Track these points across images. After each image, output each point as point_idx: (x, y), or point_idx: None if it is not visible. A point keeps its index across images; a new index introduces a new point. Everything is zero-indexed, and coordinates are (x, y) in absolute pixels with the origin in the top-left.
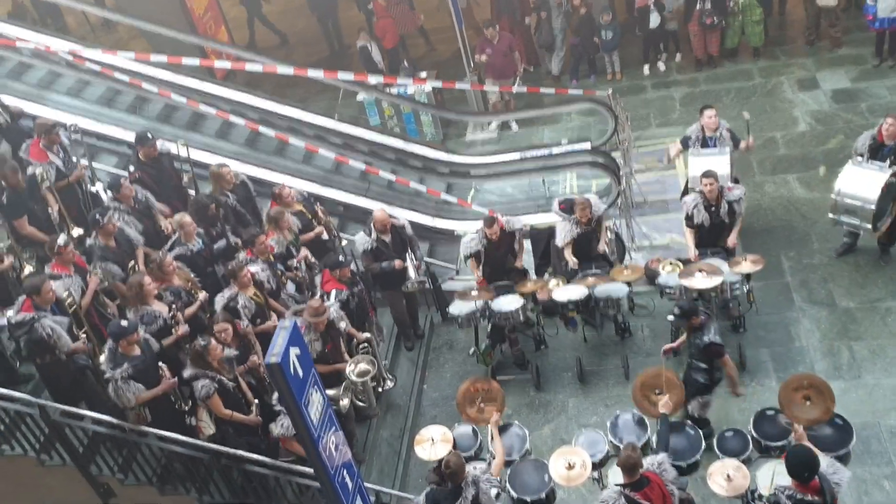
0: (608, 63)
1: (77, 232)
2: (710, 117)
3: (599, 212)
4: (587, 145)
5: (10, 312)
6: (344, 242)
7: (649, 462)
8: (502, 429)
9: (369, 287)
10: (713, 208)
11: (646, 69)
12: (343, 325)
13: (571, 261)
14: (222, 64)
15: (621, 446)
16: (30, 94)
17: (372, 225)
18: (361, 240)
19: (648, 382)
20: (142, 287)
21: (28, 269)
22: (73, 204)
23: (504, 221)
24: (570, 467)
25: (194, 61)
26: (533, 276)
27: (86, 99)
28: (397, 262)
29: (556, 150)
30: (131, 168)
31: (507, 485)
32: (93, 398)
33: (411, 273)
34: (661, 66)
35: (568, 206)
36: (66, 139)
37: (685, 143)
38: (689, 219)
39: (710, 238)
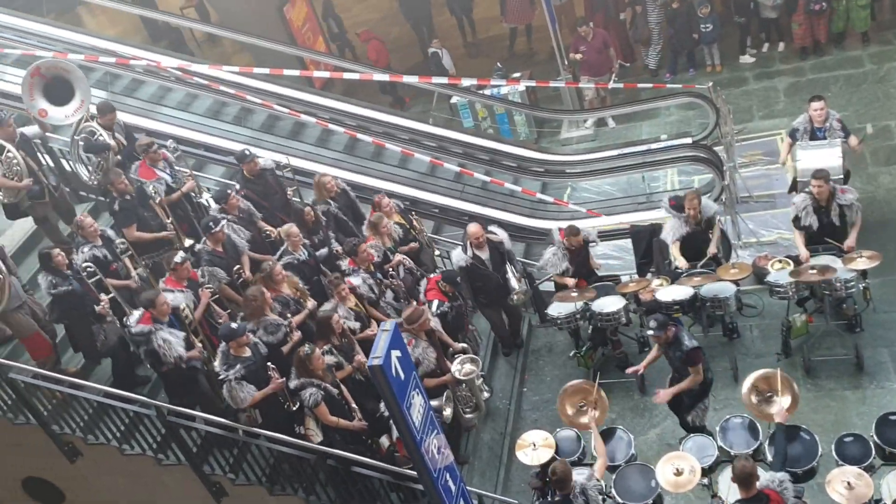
0: (707, 55)
1: (188, 242)
2: (817, 109)
3: (710, 213)
4: (688, 140)
5: (131, 320)
6: (437, 253)
7: (769, 479)
8: (606, 433)
9: (468, 300)
10: (823, 210)
11: (744, 57)
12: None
13: (681, 262)
14: (321, 74)
15: (731, 451)
16: (142, 109)
17: (468, 242)
18: (458, 256)
19: (760, 386)
20: (263, 296)
21: (135, 274)
22: (185, 216)
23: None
24: (679, 473)
25: (294, 72)
26: (635, 275)
27: (194, 112)
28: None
29: (655, 146)
30: (237, 186)
31: (613, 490)
32: (206, 401)
33: (514, 285)
34: (764, 48)
35: (678, 204)
36: (171, 154)
37: (793, 136)
38: (797, 220)
39: (821, 240)
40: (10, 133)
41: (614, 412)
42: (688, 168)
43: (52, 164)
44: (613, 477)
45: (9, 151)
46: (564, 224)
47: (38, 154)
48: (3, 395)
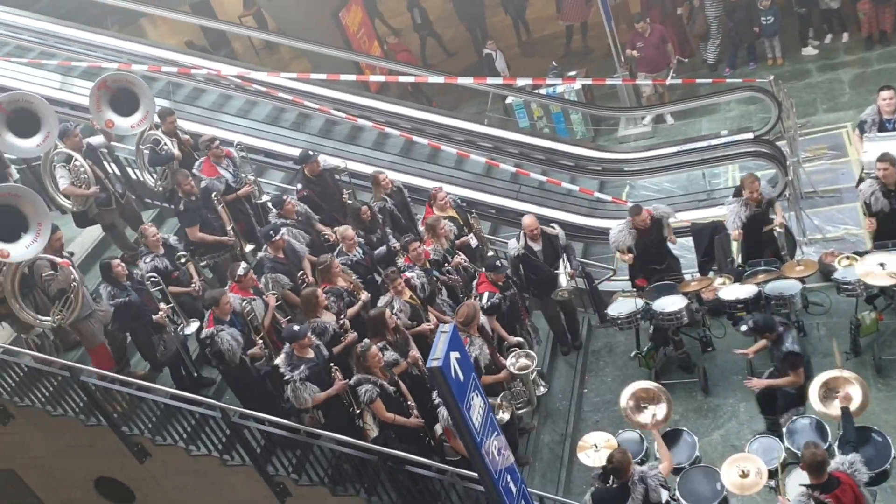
0: (768, 48)
1: (249, 247)
2: (887, 98)
3: (769, 195)
4: (749, 135)
5: (194, 326)
6: (490, 253)
7: (838, 462)
8: (670, 435)
9: (522, 291)
10: (893, 194)
11: (807, 49)
12: (488, 330)
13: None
14: (377, 78)
15: (800, 453)
16: (204, 117)
17: (522, 232)
18: (511, 245)
19: (829, 384)
20: (316, 298)
21: (196, 281)
22: (244, 218)
23: (652, 209)
24: (744, 475)
25: (351, 77)
26: (696, 273)
27: (253, 118)
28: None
29: (715, 142)
30: (299, 186)
31: (677, 493)
32: (269, 401)
33: (562, 281)
34: (827, 39)
35: (737, 192)
36: (237, 154)
37: (861, 128)
38: (867, 207)
39: (891, 227)
40: (76, 143)
41: (677, 413)
42: (749, 164)
43: (117, 172)
44: (677, 479)
45: (76, 160)
46: (613, 227)
47: (105, 163)
48: (76, 398)
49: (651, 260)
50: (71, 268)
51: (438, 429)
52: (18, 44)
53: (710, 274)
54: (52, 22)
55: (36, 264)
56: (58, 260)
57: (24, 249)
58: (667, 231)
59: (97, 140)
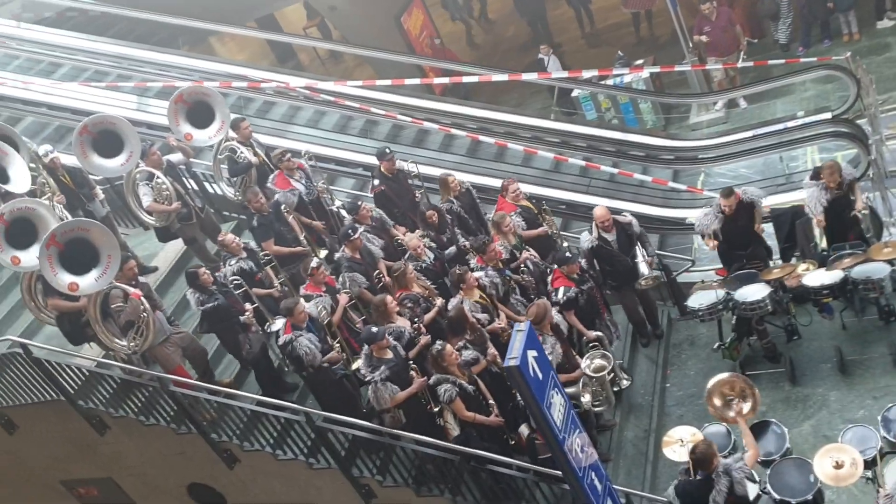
0: (843, 24)
1: (323, 253)
2: None
3: (850, 176)
4: (827, 115)
5: (280, 323)
6: (565, 244)
7: None
8: (758, 427)
9: (600, 284)
10: None
11: (883, 22)
12: (564, 328)
13: (820, 225)
14: (441, 80)
15: None
16: (275, 129)
17: (594, 224)
18: (584, 238)
19: None
20: (386, 305)
21: (277, 283)
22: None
23: (741, 192)
24: (839, 466)
25: (415, 80)
26: (779, 260)
27: (322, 128)
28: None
29: (791, 124)
30: (375, 182)
31: (769, 486)
32: (350, 404)
33: (643, 269)
34: None
35: (815, 174)
36: (307, 164)
37: None
38: None
39: None
40: (156, 161)
41: (765, 405)
42: (829, 145)
43: (196, 187)
44: (768, 472)
45: (158, 178)
46: (699, 211)
47: (184, 179)
48: (166, 407)
49: (736, 245)
50: (141, 299)
51: (525, 429)
52: (97, 68)
53: (793, 260)
54: (127, 45)
55: (111, 293)
56: (129, 290)
57: (92, 282)
58: (756, 216)
59: (176, 157)
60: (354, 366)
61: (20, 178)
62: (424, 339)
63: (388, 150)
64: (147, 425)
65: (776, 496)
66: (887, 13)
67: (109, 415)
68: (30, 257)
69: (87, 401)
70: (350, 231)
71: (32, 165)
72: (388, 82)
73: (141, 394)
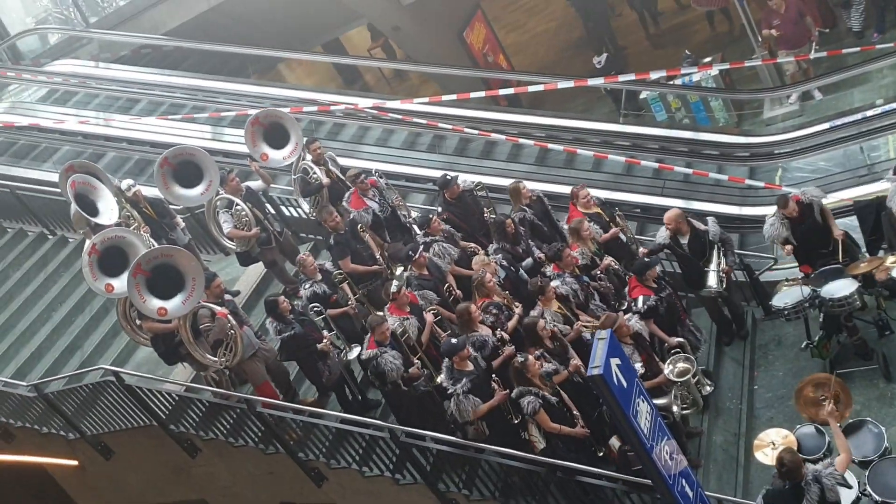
0: None
1: (399, 270)
2: None
3: None
4: None
5: (356, 351)
6: (641, 249)
7: None
8: (853, 427)
9: (680, 290)
10: None
11: None
12: (646, 335)
13: None
14: (506, 91)
15: None
16: (345, 150)
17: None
18: (660, 234)
19: None
20: (470, 314)
21: (353, 300)
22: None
23: (800, 194)
24: None
25: (480, 93)
26: (865, 253)
27: (391, 146)
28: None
29: (870, 113)
30: (439, 209)
31: (868, 488)
32: (434, 419)
33: (711, 280)
34: None
35: None
36: (380, 181)
37: None
38: None
39: None
40: (234, 187)
41: (858, 403)
42: None
43: (273, 211)
44: (866, 473)
45: (237, 205)
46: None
47: (263, 204)
48: (254, 428)
49: (815, 245)
50: (227, 317)
51: (616, 441)
52: (172, 101)
53: (881, 253)
54: (200, 77)
55: (199, 313)
56: (217, 309)
57: (179, 305)
58: (824, 215)
59: (257, 184)
60: (439, 379)
61: (109, 210)
62: (509, 349)
63: (448, 177)
64: (236, 446)
65: (878, 498)
66: None
67: (200, 437)
68: (122, 284)
69: (178, 425)
70: (410, 252)
71: (116, 199)
72: (453, 97)
73: (229, 416)
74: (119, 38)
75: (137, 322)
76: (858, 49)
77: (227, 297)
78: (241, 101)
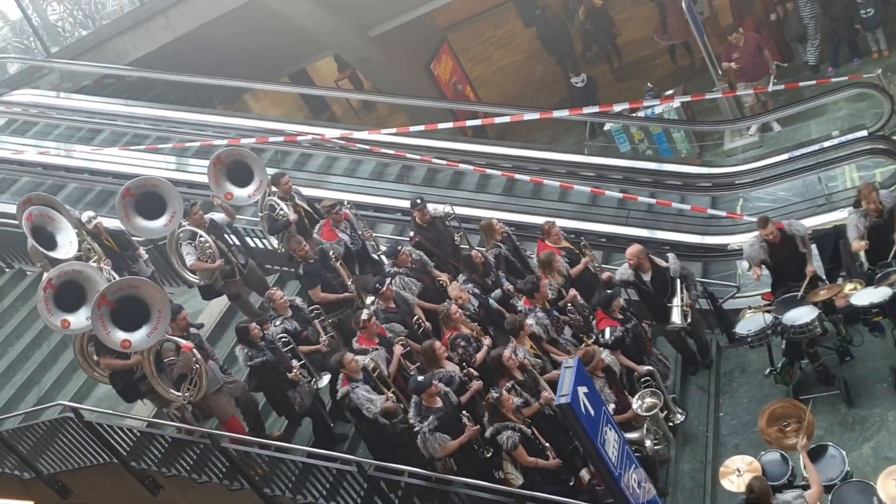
0: (872, 41)
1: (370, 300)
2: None
3: (891, 204)
4: (863, 133)
5: (326, 379)
6: (606, 275)
7: None
8: (816, 451)
9: (644, 320)
10: None
11: None
12: (617, 369)
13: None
14: (473, 122)
15: None
16: (313, 181)
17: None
18: (621, 271)
19: None
20: (434, 351)
21: (324, 338)
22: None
23: (785, 224)
24: None
25: (447, 124)
26: (825, 281)
27: (359, 176)
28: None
29: (827, 144)
30: (411, 233)
31: None
32: (408, 453)
33: (675, 317)
34: None
35: (856, 202)
36: (352, 214)
37: None
38: None
39: None
40: (198, 220)
41: (822, 428)
42: (867, 162)
43: (238, 243)
44: (829, 497)
45: (201, 236)
46: (745, 238)
47: (226, 235)
48: (218, 464)
49: (788, 276)
50: (192, 351)
51: (586, 474)
52: (136, 132)
53: (840, 280)
54: (164, 108)
55: (164, 346)
56: (181, 343)
57: (144, 337)
58: (803, 248)
59: (220, 217)
60: (410, 413)
61: (67, 244)
62: (476, 384)
63: (419, 200)
64: (200, 482)
65: None
66: None
67: (162, 474)
68: (79, 320)
69: (139, 461)
70: (377, 284)
71: (76, 231)
72: (421, 127)
73: (193, 451)
74: (81, 68)
75: (95, 358)
76: (814, 82)
77: (193, 330)
78: (207, 131)
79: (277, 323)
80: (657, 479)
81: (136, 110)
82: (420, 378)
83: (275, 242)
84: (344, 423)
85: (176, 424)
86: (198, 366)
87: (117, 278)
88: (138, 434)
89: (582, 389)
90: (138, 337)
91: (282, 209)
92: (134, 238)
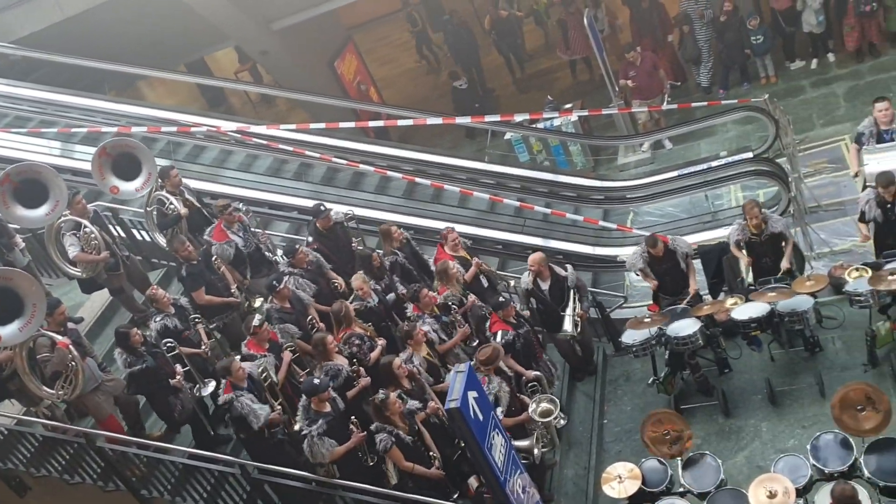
0: (760, 67)
1: (258, 301)
2: (882, 110)
3: (778, 228)
4: (749, 154)
5: (211, 386)
6: (510, 282)
7: None
8: (693, 460)
9: (535, 327)
10: (889, 206)
11: (795, 63)
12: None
13: (745, 260)
14: (376, 123)
15: (826, 470)
16: (206, 174)
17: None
18: (522, 280)
19: (849, 399)
20: (325, 344)
21: (206, 342)
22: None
23: (669, 239)
24: (772, 495)
25: (350, 124)
26: (708, 297)
27: (255, 171)
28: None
29: (715, 164)
30: (310, 239)
31: None
32: (290, 464)
33: (566, 325)
34: (813, 64)
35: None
36: (246, 217)
37: (859, 141)
38: (862, 214)
39: (888, 236)
40: (81, 209)
41: (700, 437)
42: (751, 183)
43: (123, 235)
44: None
45: (86, 227)
46: (630, 249)
47: (110, 227)
48: (93, 465)
49: (666, 290)
50: (69, 348)
51: (474, 482)
52: (17, 114)
53: (721, 295)
54: (50, 90)
55: (38, 341)
56: (57, 339)
57: (16, 332)
58: (683, 264)
59: (102, 206)
60: (297, 426)
61: None
62: (364, 381)
63: (322, 208)
64: (72, 483)
65: None
66: (797, 60)
67: (31, 475)
68: None
69: (5, 461)
70: (274, 282)
71: None
72: (321, 125)
73: (65, 451)
74: None
75: None
76: (706, 104)
77: (71, 325)
78: (96, 117)
79: (158, 319)
80: (543, 486)
81: (19, 91)
82: (316, 381)
83: (163, 241)
84: (226, 427)
85: (48, 422)
86: (74, 363)
87: None
88: (6, 432)
89: (472, 394)
90: (9, 331)
91: (172, 203)
92: (11, 225)
